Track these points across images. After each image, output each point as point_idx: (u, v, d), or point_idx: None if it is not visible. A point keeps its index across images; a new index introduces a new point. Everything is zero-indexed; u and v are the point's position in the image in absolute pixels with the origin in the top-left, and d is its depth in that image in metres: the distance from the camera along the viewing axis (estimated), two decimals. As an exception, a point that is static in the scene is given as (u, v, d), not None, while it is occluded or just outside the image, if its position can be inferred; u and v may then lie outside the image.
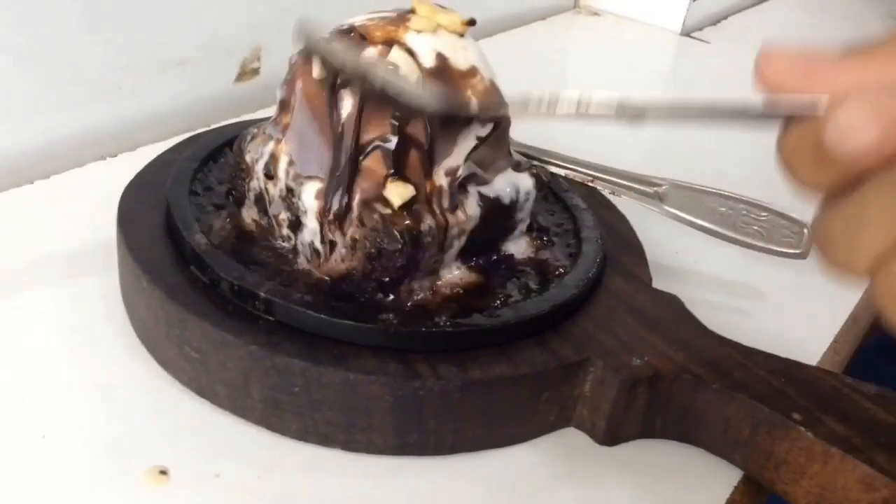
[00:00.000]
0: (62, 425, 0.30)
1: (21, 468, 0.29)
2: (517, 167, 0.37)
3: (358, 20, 0.35)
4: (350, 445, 0.31)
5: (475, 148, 0.33)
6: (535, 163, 0.38)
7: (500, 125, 0.35)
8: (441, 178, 0.32)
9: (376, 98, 0.31)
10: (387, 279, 0.31)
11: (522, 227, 0.37)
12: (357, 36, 0.33)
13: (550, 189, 0.41)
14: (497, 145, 0.35)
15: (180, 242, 0.34)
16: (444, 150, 0.32)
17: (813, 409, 0.31)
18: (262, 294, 0.31)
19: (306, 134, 0.32)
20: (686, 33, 0.83)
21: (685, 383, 0.33)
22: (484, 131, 0.33)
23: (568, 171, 0.44)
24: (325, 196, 0.32)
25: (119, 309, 0.36)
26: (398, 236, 0.31)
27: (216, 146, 0.40)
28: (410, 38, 0.32)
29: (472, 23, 0.35)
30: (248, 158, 0.34)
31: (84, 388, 0.32)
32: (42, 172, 0.45)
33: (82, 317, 0.35)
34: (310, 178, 0.33)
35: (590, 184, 0.43)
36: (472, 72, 0.33)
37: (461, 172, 0.33)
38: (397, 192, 0.31)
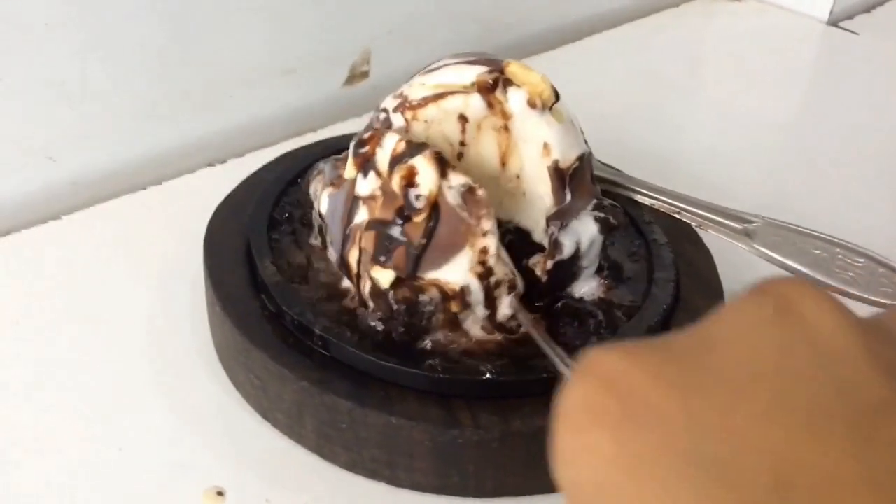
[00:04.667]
0: (137, 439, 0.33)
1: (97, 478, 0.32)
2: (599, 207, 0.37)
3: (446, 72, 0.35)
4: (394, 481, 0.32)
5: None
6: (608, 202, 0.37)
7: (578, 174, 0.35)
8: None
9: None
10: (405, 332, 0.32)
11: (590, 271, 0.37)
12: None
13: (631, 219, 0.40)
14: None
15: (255, 270, 0.36)
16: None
17: None
18: (318, 331, 0.33)
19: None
20: (834, 22, 0.77)
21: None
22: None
23: (653, 201, 0.42)
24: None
25: (205, 320, 0.38)
26: (391, 305, 0.32)
27: (304, 167, 0.41)
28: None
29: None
30: (311, 193, 0.36)
31: (160, 401, 0.35)
32: (155, 178, 0.48)
33: (170, 323, 0.38)
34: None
35: (675, 216, 0.42)
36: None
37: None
38: (382, 275, 0.32)
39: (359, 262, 0.33)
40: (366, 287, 0.33)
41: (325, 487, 0.33)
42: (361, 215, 0.33)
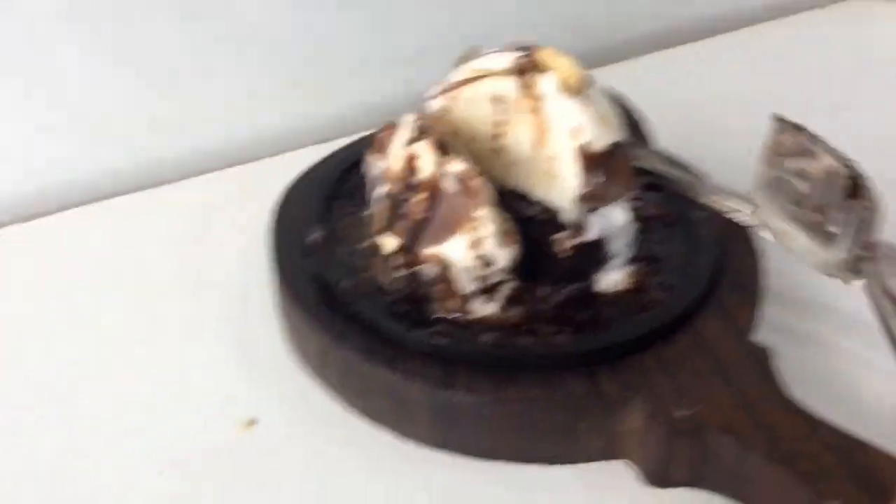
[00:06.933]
0: (193, 366, 0.39)
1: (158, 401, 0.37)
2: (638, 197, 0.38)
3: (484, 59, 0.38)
4: (401, 432, 0.35)
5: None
6: (651, 194, 0.38)
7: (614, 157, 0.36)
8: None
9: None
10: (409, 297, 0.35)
11: (618, 261, 0.37)
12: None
13: (680, 215, 0.40)
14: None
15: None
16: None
17: (859, 498, 0.29)
18: (341, 290, 0.36)
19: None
20: None
21: (728, 445, 0.31)
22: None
23: (717, 202, 0.41)
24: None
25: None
26: (394, 270, 0.35)
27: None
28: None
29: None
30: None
31: (218, 335, 0.40)
32: (266, 154, 0.54)
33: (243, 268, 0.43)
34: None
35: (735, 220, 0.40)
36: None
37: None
38: (387, 241, 0.35)
39: (377, 227, 0.36)
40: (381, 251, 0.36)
41: (342, 432, 0.36)
42: (381, 188, 0.36)
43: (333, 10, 0.54)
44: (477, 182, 0.34)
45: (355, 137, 0.53)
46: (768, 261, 0.40)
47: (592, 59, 0.63)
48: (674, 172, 0.43)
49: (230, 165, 0.53)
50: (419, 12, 0.57)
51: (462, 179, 0.34)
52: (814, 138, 0.34)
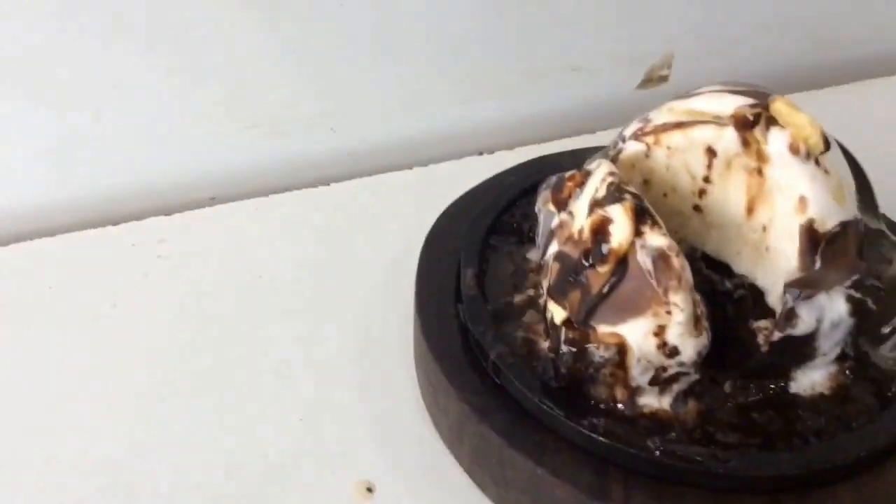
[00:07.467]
0: (315, 409, 0.35)
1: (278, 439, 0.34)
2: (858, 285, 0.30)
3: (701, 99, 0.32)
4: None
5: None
6: (873, 282, 0.30)
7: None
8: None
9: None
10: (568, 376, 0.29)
11: (827, 358, 0.30)
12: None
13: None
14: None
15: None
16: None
17: None
18: (491, 356, 0.31)
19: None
20: None
21: None
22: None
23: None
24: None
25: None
26: (560, 343, 0.29)
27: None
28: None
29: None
30: (536, 207, 0.34)
31: (349, 382, 0.36)
32: (421, 160, 0.49)
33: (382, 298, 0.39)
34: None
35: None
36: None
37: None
38: (556, 310, 0.29)
39: (546, 289, 0.31)
40: (547, 316, 0.31)
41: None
42: (554, 245, 0.30)
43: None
44: (677, 262, 0.28)
45: (520, 151, 0.49)
46: None
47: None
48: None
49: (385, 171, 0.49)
50: (603, 14, 0.51)
51: (662, 256, 0.28)
52: None
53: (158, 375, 0.36)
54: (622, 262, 0.28)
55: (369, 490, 0.32)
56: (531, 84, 0.52)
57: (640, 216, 0.28)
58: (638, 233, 0.28)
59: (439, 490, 0.32)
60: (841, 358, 0.31)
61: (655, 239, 0.28)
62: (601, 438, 0.28)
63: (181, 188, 0.45)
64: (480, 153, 0.50)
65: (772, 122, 0.30)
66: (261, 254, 0.42)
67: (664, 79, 0.55)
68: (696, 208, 0.33)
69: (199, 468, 0.32)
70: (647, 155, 0.32)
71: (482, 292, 0.34)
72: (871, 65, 0.59)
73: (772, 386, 0.31)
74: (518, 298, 0.34)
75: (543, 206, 0.33)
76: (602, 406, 0.29)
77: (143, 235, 0.42)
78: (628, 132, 0.33)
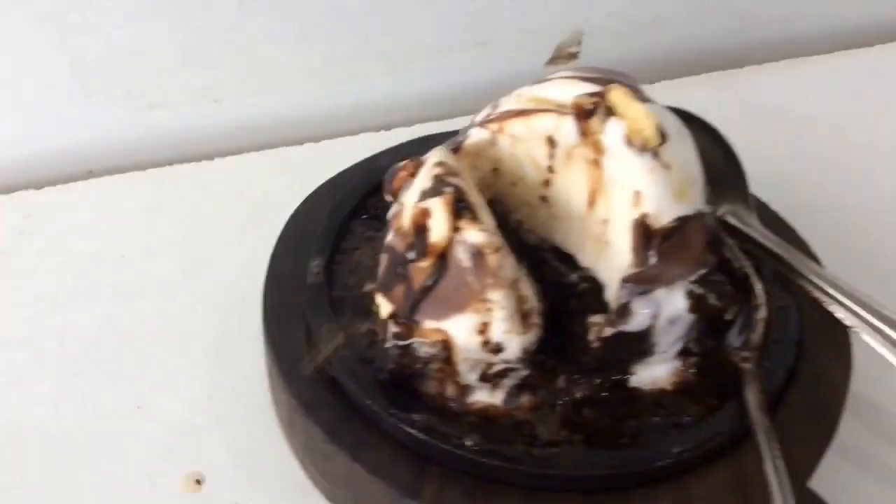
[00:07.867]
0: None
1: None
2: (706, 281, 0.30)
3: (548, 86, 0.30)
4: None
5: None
6: (722, 278, 0.30)
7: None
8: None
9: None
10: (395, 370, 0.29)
11: (667, 355, 0.30)
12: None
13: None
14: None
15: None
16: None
17: None
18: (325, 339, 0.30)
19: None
20: None
21: None
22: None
23: (811, 287, 0.33)
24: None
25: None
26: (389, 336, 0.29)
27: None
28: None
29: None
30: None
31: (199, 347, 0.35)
32: (315, 136, 0.48)
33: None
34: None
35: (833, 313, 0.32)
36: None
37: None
38: (383, 304, 0.28)
39: (376, 283, 0.30)
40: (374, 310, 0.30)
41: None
42: (389, 236, 0.30)
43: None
44: (494, 259, 0.27)
45: (418, 129, 0.48)
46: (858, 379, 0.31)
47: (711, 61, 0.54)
48: (766, 244, 0.35)
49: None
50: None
51: (478, 253, 0.27)
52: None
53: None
54: (442, 257, 0.27)
55: (198, 482, 0.31)
56: (434, 60, 0.51)
57: (459, 210, 0.27)
58: (456, 228, 0.27)
59: (271, 483, 0.31)
60: (684, 354, 0.31)
61: (473, 235, 0.27)
62: (419, 435, 0.28)
63: (55, 162, 0.44)
64: (378, 130, 0.49)
65: (611, 112, 0.29)
66: (128, 232, 0.41)
67: (574, 56, 0.53)
68: (543, 199, 0.32)
69: (26, 454, 0.32)
70: (492, 143, 0.31)
71: (328, 280, 0.33)
72: (793, 44, 0.58)
73: (607, 382, 0.30)
74: (372, 287, 0.33)
75: (385, 194, 0.32)
76: (432, 402, 0.29)
77: (8, 210, 0.41)
78: (479, 118, 0.32)
